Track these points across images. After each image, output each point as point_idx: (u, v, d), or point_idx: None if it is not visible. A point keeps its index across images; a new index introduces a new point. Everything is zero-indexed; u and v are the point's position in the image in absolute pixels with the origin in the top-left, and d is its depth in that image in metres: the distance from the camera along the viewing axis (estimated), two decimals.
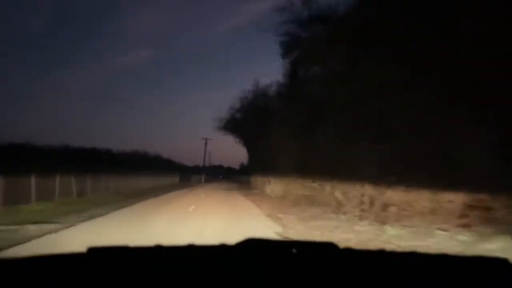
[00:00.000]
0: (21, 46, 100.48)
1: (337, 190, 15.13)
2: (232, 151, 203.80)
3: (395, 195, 11.11)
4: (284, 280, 1.12)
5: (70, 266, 1.12)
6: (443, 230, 9.02)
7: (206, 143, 75.27)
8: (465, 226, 8.66)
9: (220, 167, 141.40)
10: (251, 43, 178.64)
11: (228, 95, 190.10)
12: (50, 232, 9.93)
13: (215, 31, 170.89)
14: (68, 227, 11.03)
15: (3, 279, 1.00)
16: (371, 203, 12.56)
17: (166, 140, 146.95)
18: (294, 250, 1.28)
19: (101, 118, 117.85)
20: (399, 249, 2.11)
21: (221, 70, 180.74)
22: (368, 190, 12.87)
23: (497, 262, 1.11)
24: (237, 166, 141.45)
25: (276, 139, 24.04)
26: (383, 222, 11.05)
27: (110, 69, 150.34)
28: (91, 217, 13.38)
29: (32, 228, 10.33)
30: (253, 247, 1.31)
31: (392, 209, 11.22)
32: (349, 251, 1.28)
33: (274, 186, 27.22)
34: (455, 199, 9.01)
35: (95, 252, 1.15)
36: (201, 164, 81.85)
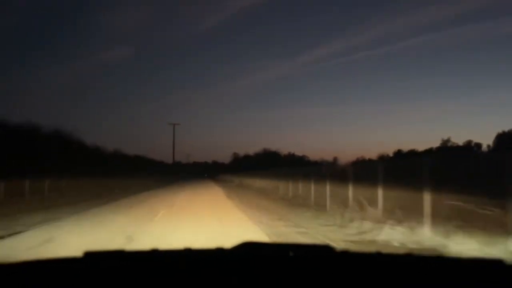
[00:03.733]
0: None
1: None
2: (216, 144, 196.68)
3: None
4: (281, 283, 1.12)
5: (66, 270, 1.10)
6: None
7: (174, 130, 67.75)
8: None
9: (204, 164, 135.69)
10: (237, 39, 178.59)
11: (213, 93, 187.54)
12: None
13: (200, 27, 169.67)
14: None
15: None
16: None
17: (147, 139, 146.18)
18: (291, 253, 1.29)
19: (76, 115, 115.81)
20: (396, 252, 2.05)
21: (205, 67, 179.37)
22: None
23: (492, 263, 1.14)
24: (226, 160, 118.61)
25: None
26: None
27: (88, 66, 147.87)
28: None
29: None
30: (249, 251, 1.31)
31: None
32: (345, 254, 1.29)
33: None
34: None
35: (91, 256, 1.14)
36: (183, 161, 73.95)
